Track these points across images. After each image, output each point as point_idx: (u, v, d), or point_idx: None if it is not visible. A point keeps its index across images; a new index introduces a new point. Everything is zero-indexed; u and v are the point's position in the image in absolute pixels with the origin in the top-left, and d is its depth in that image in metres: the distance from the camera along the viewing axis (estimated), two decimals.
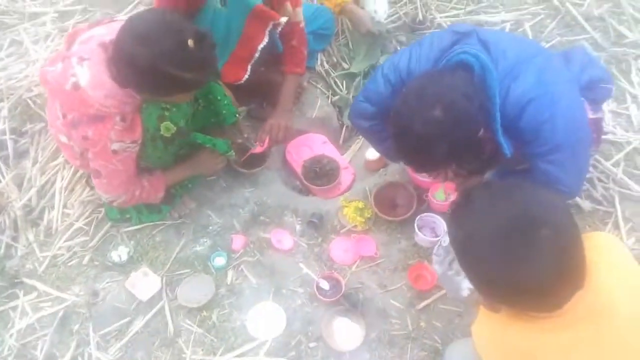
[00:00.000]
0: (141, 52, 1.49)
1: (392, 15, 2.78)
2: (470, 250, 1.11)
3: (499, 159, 1.71)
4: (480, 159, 1.68)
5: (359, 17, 2.58)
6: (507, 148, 1.62)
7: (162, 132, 1.75)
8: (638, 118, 2.31)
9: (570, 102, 1.64)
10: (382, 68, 1.83)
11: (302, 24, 2.29)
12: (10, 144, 2.18)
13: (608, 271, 1.13)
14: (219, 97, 2.06)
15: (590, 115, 1.81)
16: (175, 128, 1.77)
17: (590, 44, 2.58)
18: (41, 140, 2.21)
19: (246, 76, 2.24)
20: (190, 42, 1.50)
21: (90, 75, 1.59)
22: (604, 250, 1.19)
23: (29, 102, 2.20)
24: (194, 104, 1.97)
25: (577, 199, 2.08)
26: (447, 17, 2.76)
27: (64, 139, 1.73)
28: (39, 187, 2.15)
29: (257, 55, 2.19)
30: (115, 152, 1.67)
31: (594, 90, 1.85)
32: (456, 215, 1.17)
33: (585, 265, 1.08)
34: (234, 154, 2.12)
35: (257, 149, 2.26)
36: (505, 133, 1.62)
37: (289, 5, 2.17)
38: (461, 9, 2.79)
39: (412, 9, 2.80)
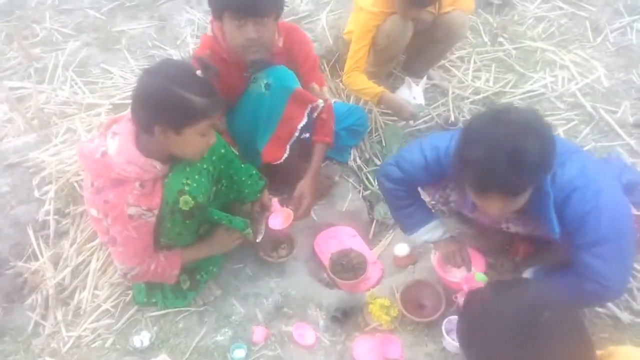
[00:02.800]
0: (153, 80, 1.64)
1: (426, 116, 2.88)
2: (479, 346, 1.13)
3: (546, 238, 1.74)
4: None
5: (399, 104, 2.67)
6: (556, 226, 1.61)
7: (180, 206, 1.79)
8: None
9: (614, 195, 1.65)
10: (421, 142, 1.89)
11: (330, 101, 2.41)
12: (52, 224, 2.29)
13: None
14: (243, 178, 2.14)
15: (634, 211, 1.77)
16: (193, 202, 1.81)
17: (625, 151, 2.58)
18: (82, 222, 2.31)
19: (285, 155, 2.32)
20: (198, 72, 1.65)
21: (118, 145, 1.72)
22: None
23: (75, 185, 2.34)
24: (216, 184, 2.04)
25: (616, 309, 1.99)
26: None
27: (94, 212, 1.81)
28: (74, 267, 2.22)
29: (296, 134, 2.27)
30: (130, 217, 1.73)
31: (633, 193, 1.82)
32: (461, 316, 1.22)
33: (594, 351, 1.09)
34: (251, 232, 2.15)
35: (278, 224, 2.25)
36: None
37: (315, 85, 2.30)
38: None
39: (444, 110, 2.89)
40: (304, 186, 2.35)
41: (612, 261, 1.62)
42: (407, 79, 2.73)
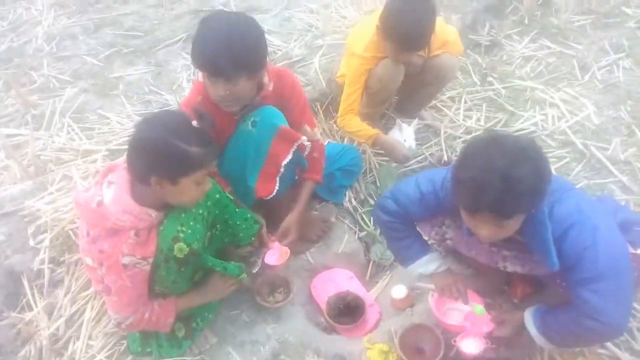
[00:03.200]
0: (150, 130, 1.67)
1: (419, 156, 2.91)
2: None
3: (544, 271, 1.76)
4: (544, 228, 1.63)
5: (393, 146, 2.71)
6: (555, 257, 1.61)
7: (175, 253, 1.79)
8: None
9: (610, 232, 1.67)
10: (418, 177, 1.94)
11: (321, 141, 2.47)
12: (47, 273, 2.27)
13: None
14: (238, 222, 2.14)
15: (631, 250, 1.78)
16: (188, 249, 1.80)
17: (618, 187, 2.60)
18: (76, 270, 2.30)
19: (276, 188, 2.33)
20: (194, 123, 1.69)
21: (114, 194, 1.74)
22: None
23: (71, 233, 2.34)
24: (211, 229, 2.04)
25: (616, 350, 1.97)
26: None
27: (89, 260, 1.81)
28: (68, 317, 2.20)
29: (282, 170, 2.29)
30: (125, 266, 1.73)
31: (629, 232, 1.84)
32: None
33: None
34: (246, 276, 2.12)
35: (274, 260, 2.26)
36: None
37: (307, 127, 2.35)
38: None
39: (437, 150, 2.93)
40: (290, 221, 2.40)
41: (610, 297, 1.61)
42: (398, 121, 2.77)
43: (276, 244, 2.30)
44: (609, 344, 1.98)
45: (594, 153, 2.78)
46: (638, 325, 2.03)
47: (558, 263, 1.64)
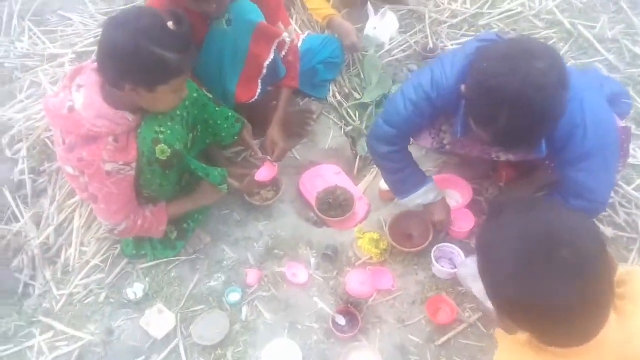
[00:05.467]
0: (122, 34, 1.53)
1: (403, 45, 2.80)
2: (491, 264, 1.09)
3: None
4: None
5: (345, 31, 2.62)
6: (543, 145, 1.60)
7: (157, 156, 1.75)
8: None
9: (599, 106, 1.65)
10: (402, 89, 1.80)
11: (296, 42, 2.35)
12: (29, 183, 2.22)
13: None
14: (219, 122, 2.08)
15: (620, 123, 1.78)
16: (170, 151, 1.76)
17: (605, 66, 2.56)
18: (59, 179, 2.24)
19: (259, 91, 2.26)
20: (170, 24, 1.55)
21: (85, 98, 1.64)
22: None
23: (47, 141, 2.25)
24: (192, 130, 1.98)
25: (600, 225, 2.04)
26: (458, 44, 2.75)
27: (69, 169, 1.75)
28: (57, 226, 2.18)
29: (264, 72, 2.21)
30: (108, 173, 1.69)
31: (616, 104, 1.83)
32: (484, 228, 1.17)
33: (611, 299, 1.03)
34: (227, 187, 2.06)
35: (264, 176, 2.25)
36: None
37: (281, 25, 2.23)
38: (472, 35, 2.78)
39: (422, 37, 2.81)
40: (273, 133, 2.32)
41: (597, 174, 1.64)
42: (369, 6, 2.65)
43: (267, 162, 2.26)
44: (594, 220, 2.04)
45: (581, 32, 2.70)
46: (620, 200, 2.09)
47: (547, 149, 1.62)
